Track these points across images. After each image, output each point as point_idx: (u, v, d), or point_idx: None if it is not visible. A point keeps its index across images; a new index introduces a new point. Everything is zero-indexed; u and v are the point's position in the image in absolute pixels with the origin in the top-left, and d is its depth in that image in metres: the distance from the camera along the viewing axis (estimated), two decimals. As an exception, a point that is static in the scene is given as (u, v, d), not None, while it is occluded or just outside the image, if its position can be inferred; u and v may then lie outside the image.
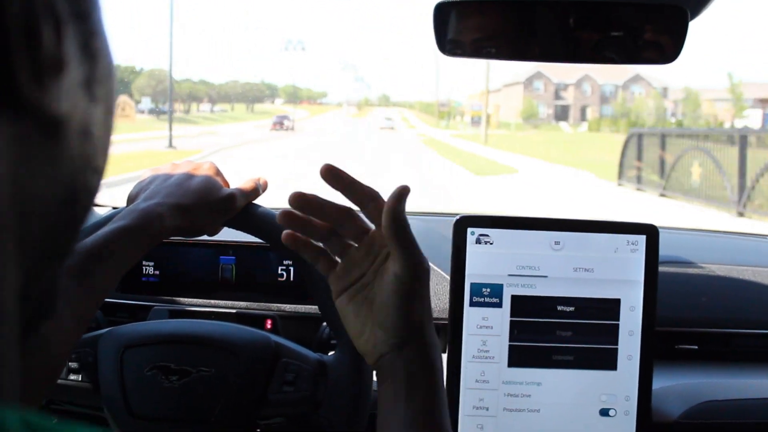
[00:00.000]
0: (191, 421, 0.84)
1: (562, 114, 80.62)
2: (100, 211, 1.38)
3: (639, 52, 0.94)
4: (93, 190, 0.31)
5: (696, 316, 1.16)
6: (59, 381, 0.85)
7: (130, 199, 0.86)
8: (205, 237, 0.88)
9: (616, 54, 0.95)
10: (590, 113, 79.03)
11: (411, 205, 0.72)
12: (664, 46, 0.93)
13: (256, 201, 0.90)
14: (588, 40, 0.95)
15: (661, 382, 1.06)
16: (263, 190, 0.92)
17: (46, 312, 0.33)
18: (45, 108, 0.26)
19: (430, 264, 1.16)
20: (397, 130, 58.22)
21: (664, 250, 1.20)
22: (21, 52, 0.24)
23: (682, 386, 1.07)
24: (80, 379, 0.88)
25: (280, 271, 1.13)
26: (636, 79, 79.89)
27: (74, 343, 0.72)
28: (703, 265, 1.22)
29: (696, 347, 1.15)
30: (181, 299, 1.14)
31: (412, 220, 1.41)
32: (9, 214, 0.26)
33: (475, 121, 49.19)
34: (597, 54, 0.96)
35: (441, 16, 0.93)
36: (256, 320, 1.06)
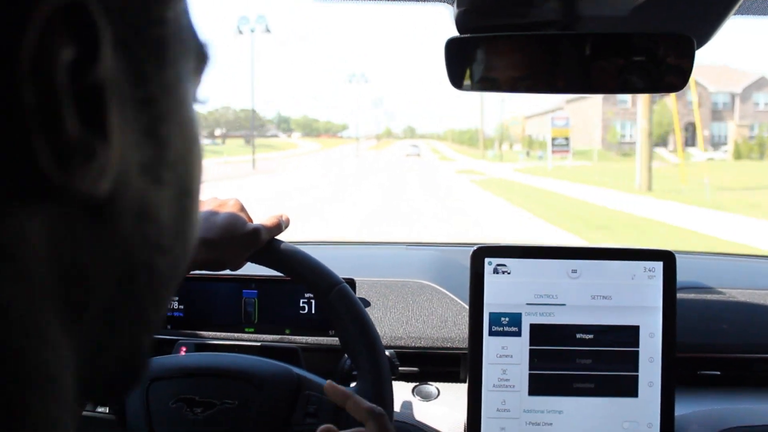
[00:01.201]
0: None
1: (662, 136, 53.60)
2: None
3: (650, 80, 0.96)
4: (157, 268, 0.31)
5: (717, 341, 1.15)
6: (84, 413, 0.87)
7: None
8: (228, 271, 0.90)
9: (629, 83, 0.97)
10: (732, 132, 54.23)
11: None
12: (674, 75, 0.94)
13: (279, 237, 0.93)
14: (600, 70, 0.97)
15: (683, 409, 1.05)
16: (286, 227, 0.94)
17: (129, 383, 0.34)
18: (78, 190, 0.26)
19: (450, 293, 1.18)
20: (422, 157, 56.46)
21: (683, 275, 1.20)
22: (38, 132, 0.24)
23: (705, 412, 1.06)
24: (106, 411, 0.90)
25: (301, 304, 1.15)
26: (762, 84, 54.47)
27: None
28: (723, 289, 1.22)
29: (718, 373, 1.14)
30: (206, 333, 1.16)
31: (432, 251, 1.44)
32: (55, 288, 0.26)
33: (560, 145, 31.67)
34: (609, 84, 0.98)
35: (452, 51, 0.95)
36: (280, 353, 1.08)
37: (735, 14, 0.97)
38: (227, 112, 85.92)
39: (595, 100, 56.26)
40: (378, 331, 1.12)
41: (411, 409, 1.08)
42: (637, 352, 0.99)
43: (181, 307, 1.17)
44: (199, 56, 0.33)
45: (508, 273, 0.99)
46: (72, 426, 0.28)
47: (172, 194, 0.31)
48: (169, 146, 0.30)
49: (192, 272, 0.84)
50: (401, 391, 1.11)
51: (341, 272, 1.15)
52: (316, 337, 1.14)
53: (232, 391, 0.86)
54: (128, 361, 0.33)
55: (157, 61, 0.29)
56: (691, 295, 1.20)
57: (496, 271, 0.99)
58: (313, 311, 1.15)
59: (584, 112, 59.75)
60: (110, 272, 0.29)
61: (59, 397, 0.27)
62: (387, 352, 1.02)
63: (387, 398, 0.87)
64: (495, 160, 51.22)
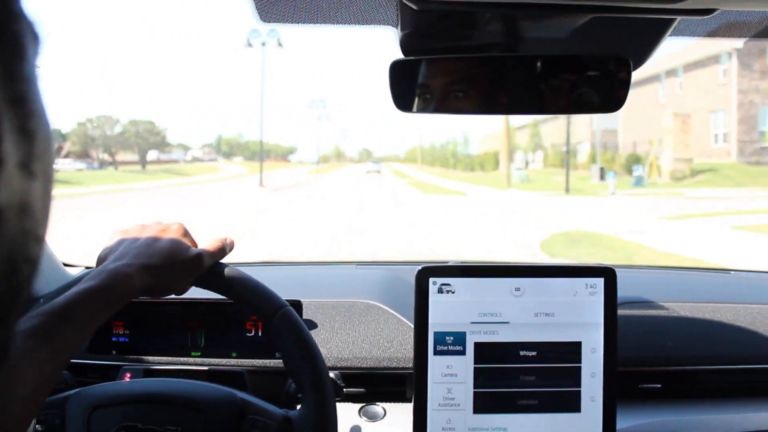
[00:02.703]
0: None
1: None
2: (73, 272, 1.38)
3: (589, 100, 0.97)
4: (35, 259, 0.32)
5: (658, 355, 1.18)
6: None
7: (100, 261, 0.87)
8: (173, 296, 0.89)
9: (569, 103, 0.99)
10: None
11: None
12: (611, 95, 0.96)
13: (223, 260, 0.92)
14: (542, 91, 0.98)
15: (625, 422, 1.08)
16: (230, 250, 0.94)
17: None
18: None
19: (396, 313, 1.18)
20: (383, 175, 53.72)
21: (624, 290, 1.23)
22: None
23: (647, 425, 1.08)
24: None
25: (248, 327, 1.14)
26: None
27: (40, 404, 0.72)
28: (664, 303, 1.25)
29: (659, 386, 1.17)
30: (152, 358, 1.14)
31: (379, 270, 1.44)
32: None
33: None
34: (551, 104, 0.99)
35: (396, 73, 0.95)
36: (227, 377, 1.07)
37: (670, 35, 1.00)
38: (108, 124, 59.47)
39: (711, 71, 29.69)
40: (324, 352, 1.12)
41: (358, 430, 1.08)
42: (580, 367, 1.01)
43: (127, 332, 1.15)
44: (36, 40, 0.33)
45: (453, 292, 0.99)
46: None
47: (40, 185, 0.31)
48: (36, 138, 0.30)
49: (135, 298, 0.83)
50: (348, 412, 1.11)
51: (288, 294, 1.14)
52: (263, 360, 1.13)
53: (175, 417, 0.85)
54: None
55: (17, 55, 0.29)
56: (633, 310, 1.23)
57: (440, 291, 0.99)
58: (259, 334, 1.13)
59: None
60: None
61: None
62: (331, 374, 1.01)
63: (330, 421, 0.87)
64: (532, 187, 28.68)
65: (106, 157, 57.92)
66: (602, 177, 29.07)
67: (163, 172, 52.07)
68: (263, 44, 37.40)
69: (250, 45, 37.33)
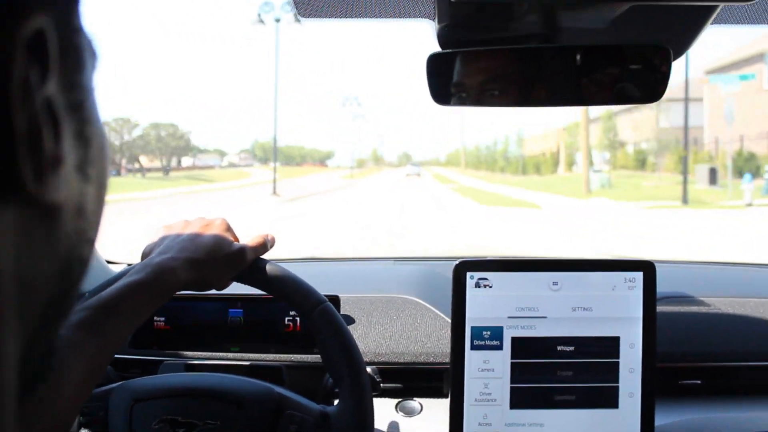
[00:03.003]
0: None
1: None
2: (115, 268, 1.39)
3: (629, 91, 0.96)
4: (86, 259, 0.34)
5: (699, 350, 1.16)
6: None
7: (145, 255, 0.89)
8: (214, 291, 0.90)
9: (608, 94, 0.97)
10: None
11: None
12: (652, 85, 0.95)
13: (264, 256, 0.93)
14: (581, 81, 0.97)
15: (665, 419, 1.06)
16: (271, 246, 0.95)
17: (44, 375, 0.35)
18: (45, 198, 0.28)
19: (434, 308, 1.18)
20: (423, 178, 52.06)
21: (664, 285, 1.21)
22: (25, 154, 0.27)
23: (686, 422, 1.07)
24: None
25: (286, 322, 1.15)
26: None
27: (86, 396, 0.73)
28: (704, 299, 1.23)
29: (699, 382, 1.16)
30: (192, 353, 1.15)
31: (419, 266, 1.44)
32: (12, 292, 0.28)
33: None
34: (589, 95, 0.98)
35: (434, 66, 0.95)
36: (264, 372, 1.08)
37: (712, 24, 0.98)
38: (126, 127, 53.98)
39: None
40: (361, 347, 1.12)
41: (395, 426, 1.08)
42: (618, 363, 0.99)
43: (168, 327, 1.16)
44: (94, 55, 0.35)
45: (490, 287, 0.99)
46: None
47: (94, 189, 0.33)
48: (92, 144, 0.32)
49: (178, 292, 0.84)
50: (384, 408, 1.11)
51: (327, 289, 1.14)
52: (301, 355, 1.13)
53: (214, 411, 0.86)
54: (49, 355, 0.35)
55: (78, 67, 0.31)
56: (673, 306, 1.21)
57: (477, 285, 0.99)
58: (297, 328, 1.14)
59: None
60: (54, 269, 0.31)
61: (5, 401, 0.28)
62: (369, 369, 1.01)
63: (367, 416, 0.88)
64: (618, 195, 22.64)
65: (124, 162, 53.61)
66: (713, 181, 23.69)
67: (187, 178, 49.20)
68: (277, 20, 33.02)
69: (261, 21, 33.39)
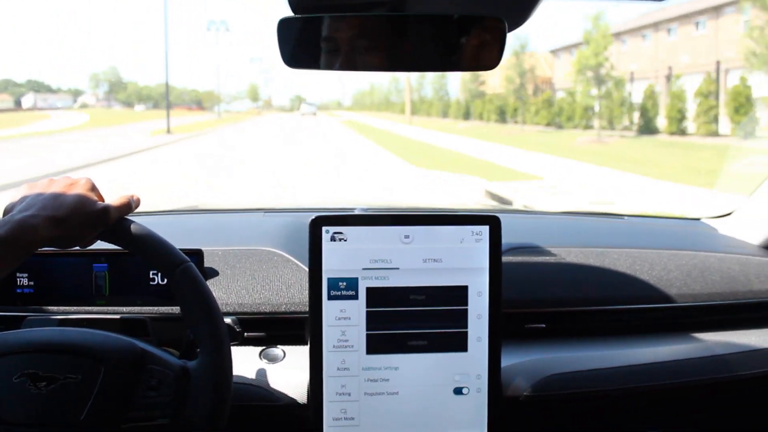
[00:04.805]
0: (59, 426, 0.87)
1: None
2: None
3: (467, 59, 1.03)
4: None
5: (543, 297, 1.25)
6: None
7: (6, 212, 0.90)
8: (78, 248, 0.93)
9: (448, 61, 1.05)
10: None
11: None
12: (488, 54, 1.03)
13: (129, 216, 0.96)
14: (423, 49, 1.04)
15: (511, 360, 1.15)
16: (136, 206, 0.98)
17: None
18: None
19: (296, 260, 1.23)
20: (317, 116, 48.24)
21: (515, 236, 1.30)
22: None
23: (530, 362, 1.16)
24: None
25: (151, 275, 1.18)
26: None
27: None
28: (550, 248, 1.33)
29: (544, 326, 1.25)
30: (56, 308, 1.17)
31: (286, 217, 1.49)
32: None
33: None
34: (430, 62, 1.05)
35: (284, 30, 1.00)
36: (129, 325, 1.10)
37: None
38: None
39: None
40: (224, 298, 1.17)
41: (261, 372, 1.13)
42: (466, 310, 1.07)
43: (31, 283, 1.17)
44: None
45: (345, 240, 1.05)
46: None
47: None
48: None
49: (40, 248, 0.87)
50: (249, 355, 1.16)
51: (192, 242, 1.19)
52: (166, 308, 1.17)
53: (75, 365, 0.88)
54: None
55: None
56: (520, 256, 1.30)
57: (333, 239, 1.05)
58: (162, 282, 1.17)
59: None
60: None
61: None
62: (228, 319, 1.06)
63: (225, 371, 0.93)
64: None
65: None
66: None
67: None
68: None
69: None
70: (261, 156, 18.41)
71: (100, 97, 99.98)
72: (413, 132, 32.93)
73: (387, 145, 23.24)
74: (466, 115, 46.00)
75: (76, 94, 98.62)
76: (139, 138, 27.35)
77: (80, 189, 0.93)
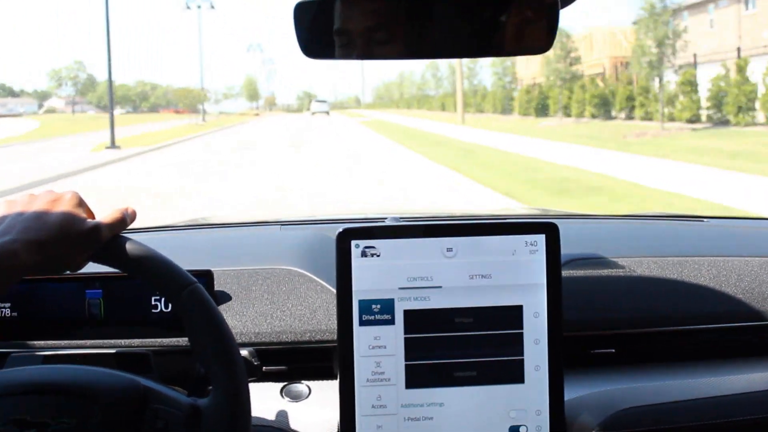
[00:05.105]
0: None
1: None
2: None
3: (514, 42, 0.90)
4: None
5: (611, 317, 1.09)
6: None
7: None
8: (68, 273, 0.83)
9: (492, 45, 0.91)
10: None
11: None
12: (539, 36, 0.89)
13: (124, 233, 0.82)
14: (462, 32, 0.90)
15: (576, 392, 0.99)
16: (131, 221, 0.87)
17: None
18: None
19: (320, 280, 1.09)
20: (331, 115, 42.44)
21: (572, 246, 1.14)
22: None
23: (599, 394, 1.00)
24: None
25: (153, 302, 1.06)
26: None
27: None
28: (616, 259, 1.16)
29: (613, 350, 1.09)
30: (45, 342, 1.05)
31: (307, 231, 1.34)
32: None
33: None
34: (472, 47, 0.92)
35: (301, 16, 0.88)
36: (129, 359, 0.99)
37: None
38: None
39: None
40: (239, 327, 1.04)
41: (282, 413, 1.00)
42: (521, 334, 0.92)
43: (14, 314, 1.06)
44: None
45: (378, 255, 0.91)
46: None
47: None
48: None
49: (23, 277, 0.77)
50: (269, 393, 1.03)
51: (199, 263, 1.06)
52: (171, 339, 1.04)
53: (69, 408, 0.78)
54: None
55: None
56: (582, 269, 1.14)
57: (364, 254, 0.91)
58: (166, 309, 1.05)
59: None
60: None
61: None
62: (245, 351, 0.94)
63: (242, 407, 0.81)
64: None
65: None
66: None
67: None
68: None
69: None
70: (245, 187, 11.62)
71: (70, 100, 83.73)
72: (475, 136, 22.44)
73: (468, 170, 13.52)
74: (543, 110, 33.35)
75: (43, 97, 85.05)
76: (76, 154, 20.30)
77: (66, 205, 0.82)
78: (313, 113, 53.04)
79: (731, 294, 1.12)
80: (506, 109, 38.91)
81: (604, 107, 28.17)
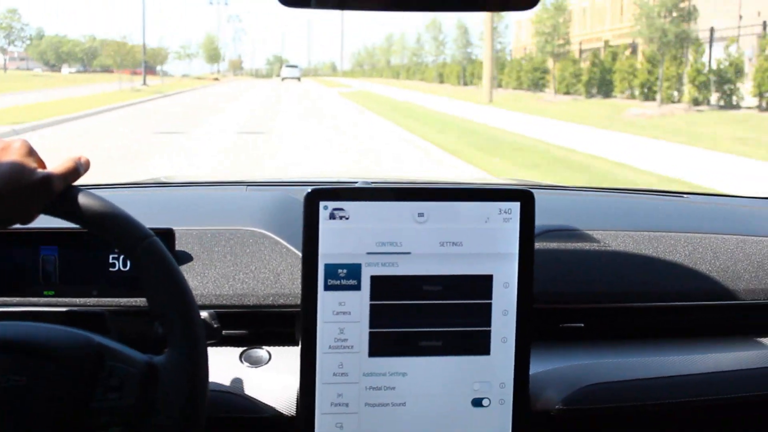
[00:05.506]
0: None
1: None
2: None
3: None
4: None
5: (582, 290, 1.07)
6: None
7: None
8: (18, 226, 0.79)
9: (480, 1, 0.86)
10: None
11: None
12: None
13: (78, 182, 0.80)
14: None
15: (542, 366, 0.98)
16: (85, 170, 0.83)
17: None
18: None
19: (286, 242, 1.05)
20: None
21: (547, 217, 1.11)
22: None
23: (564, 369, 0.99)
24: None
25: (111, 260, 1.01)
26: None
27: None
28: (592, 232, 1.14)
29: (581, 325, 1.07)
30: None
31: (275, 192, 1.29)
32: None
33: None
34: (459, 3, 0.86)
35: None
36: (84, 319, 0.94)
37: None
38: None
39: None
40: (199, 289, 1.00)
41: (239, 380, 0.96)
42: (490, 304, 0.90)
43: None
44: None
45: (347, 218, 0.87)
46: None
47: None
48: None
49: None
50: (227, 357, 1.00)
51: (162, 221, 1.01)
52: (128, 299, 1.00)
53: (20, 366, 0.74)
54: None
55: None
56: (555, 241, 1.11)
57: (332, 217, 0.86)
58: (125, 267, 1.00)
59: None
60: None
61: None
62: (205, 313, 0.90)
63: (199, 366, 0.79)
64: None
65: None
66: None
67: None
68: None
69: None
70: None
71: (15, 56, 74.77)
72: (533, 127, 14.86)
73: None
74: (539, 84, 27.93)
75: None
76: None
77: (14, 154, 0.78)
78: (283, 78, 51.06)
79: (705, 272, 1.11)
80: (537, 85, 29.07)
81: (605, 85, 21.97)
